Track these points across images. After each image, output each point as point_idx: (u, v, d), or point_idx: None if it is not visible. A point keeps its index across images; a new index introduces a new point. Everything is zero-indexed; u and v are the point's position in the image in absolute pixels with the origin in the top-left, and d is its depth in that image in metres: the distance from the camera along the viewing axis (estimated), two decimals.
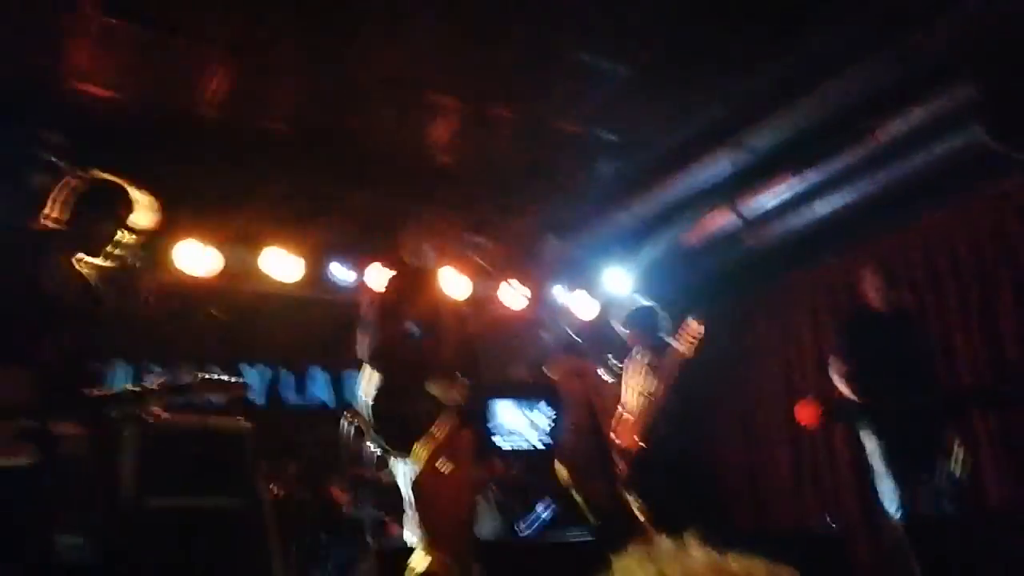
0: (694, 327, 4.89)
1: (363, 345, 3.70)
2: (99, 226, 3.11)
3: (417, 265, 4.01)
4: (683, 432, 4.94)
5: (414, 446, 3.35)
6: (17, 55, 4.52)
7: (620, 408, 5.15)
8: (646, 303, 5.33)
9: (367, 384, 3.67)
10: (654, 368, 5.06)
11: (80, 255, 3.11)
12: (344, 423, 4.38)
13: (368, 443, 3.75)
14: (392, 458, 3.65)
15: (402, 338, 3.68)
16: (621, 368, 5.40)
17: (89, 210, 3.07)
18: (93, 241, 3.13)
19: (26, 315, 2.93)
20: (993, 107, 4.94)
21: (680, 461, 4.85)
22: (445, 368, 3.63)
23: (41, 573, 2.87)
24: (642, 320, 5.21)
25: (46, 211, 3.08)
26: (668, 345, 5.05)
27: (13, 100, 4.71)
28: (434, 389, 3.57)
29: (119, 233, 3.13)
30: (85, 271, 3.10)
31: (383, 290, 3.89)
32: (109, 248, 3.15)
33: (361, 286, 6.24)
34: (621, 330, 5.28)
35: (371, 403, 3.57)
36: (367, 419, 3.56)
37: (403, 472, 3.57)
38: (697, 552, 0.73)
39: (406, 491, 3.59)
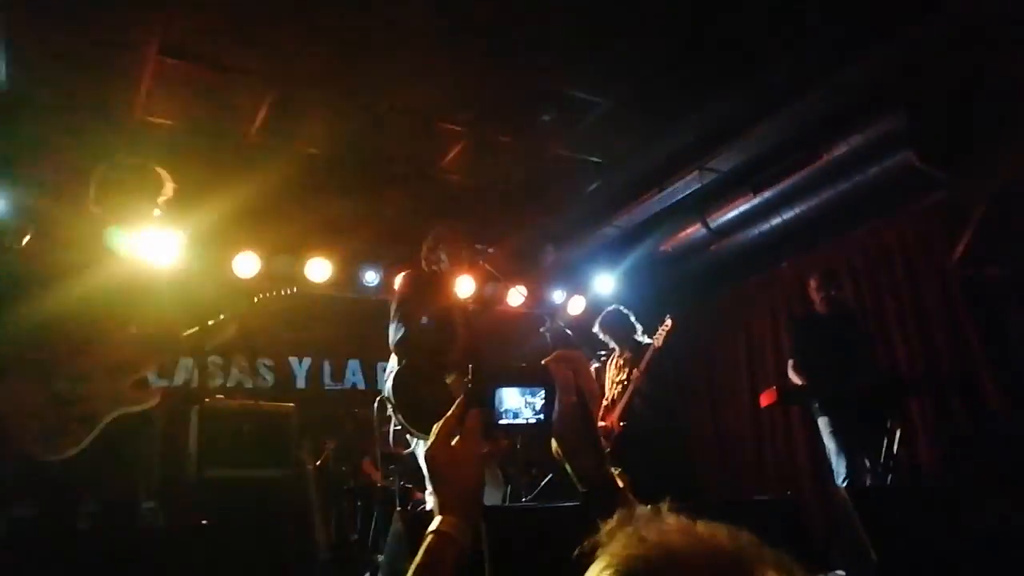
0: (668, 322, 4.93)
1: (393, 336, 3.71)
2: (136, 200, 3.03)
3: (433, 270, 4.00)
4: (658, 414, 4.94)
5: (432, 425, 3.35)
6: (92, 90, 4.52)
7: (605, 399, 5.16)
8: (615, 308, 5.35)
9: (391, 372, 3.68)
10: (628, 360, 5.08)
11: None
12: (375, 407, 4.41)
13: (392, 423, 3.76)
14: (412, 436, 3.66)
15: (420, 331, 3.68)
16: (605, 359, 5.42)
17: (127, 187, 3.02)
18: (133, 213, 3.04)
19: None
20: (921, 134, 4.93)
21: (656, 439, 4.86)
22: (457, 359, 3.65)
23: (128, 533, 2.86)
24: (614, 321, 5.23)
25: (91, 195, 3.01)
26: (639, 341, 5.07)
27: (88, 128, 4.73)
28: (448, 377, 3.58)
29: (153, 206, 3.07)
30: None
31: (404, 289, 3.89)
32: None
33: (389, 288, 6.27)
34: (597, 330, 5.29)
35: (392, 387, 3.58)
36: (389, 401, 3.58)
37: (422, 447, 3.57)
38: (670, 518, 0.73)
39: (423, 464, 3.60)
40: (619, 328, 5.20)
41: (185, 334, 3.00)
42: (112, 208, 2.95)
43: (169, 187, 3.10)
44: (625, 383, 5.01)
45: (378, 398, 4.24)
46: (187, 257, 5.34)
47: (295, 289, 3.46)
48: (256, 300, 3.32)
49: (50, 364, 2.64)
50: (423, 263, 4.04)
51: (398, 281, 3.93)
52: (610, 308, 5.35)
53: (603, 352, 5.39)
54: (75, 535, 2.67)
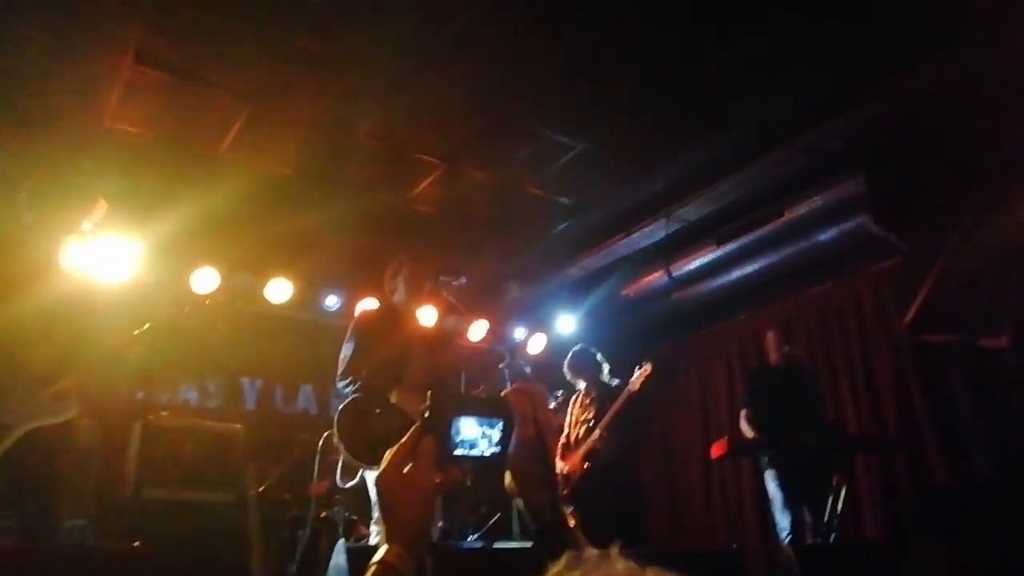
0: (647, 367, 4.96)
1: (340, 364, 3.68)
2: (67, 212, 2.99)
3: (392, 302, 3.98)
4: (619, 456, 4.94)
5: (383, 454, 3.30)
6: (63, 92, 4.45)
7: (564, 437, 5.14)
8: (585, 347, 5.37)
9: (341, 402, 3.64)
10: (594, 400, 5.09)
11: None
12: (321, 441, 4.33)
13: (341, 456, 3.69)
14: (362, 468, 3.60)
15: (373, 361, 3.66)
16: (561, 399, 5.42)
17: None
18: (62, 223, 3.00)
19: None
20: (878, 199, 5.10)
21: (615, 480, 4.85)
22: (411, 383, 3.61)
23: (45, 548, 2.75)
24: (583, 360, 5.25)
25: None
26: (606, 382, 5.08)
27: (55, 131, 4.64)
28: (400, 401, 3.54)
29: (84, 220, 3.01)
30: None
31: (363, 320, 3.87)
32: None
33: (351, 314, 6.21)
34: (566, 369, 5.30)
35: (337, 419, 3.53)
36: (335, 434, 3.53)
37: (371, 478, 3.50)
38: (619, 563, 0.72)
39: (373, 492, 3.54)
40: (588, 367, 5.21)
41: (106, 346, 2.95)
42: (43, 215, 2.90)
43: (101, 205, 3.04)
44: (591, 423, 5.00)
45: (325, 434, 4.19)
46: (144, 270, 5.22)
47: (204, 301, 3.38)
48: (185, 310, 3.28)
49: None
50: (385, 290, 4.02)
51: (357, 313, 3.91)
52: (578, 347, 5.37)
53: (559, 391, 5.39)
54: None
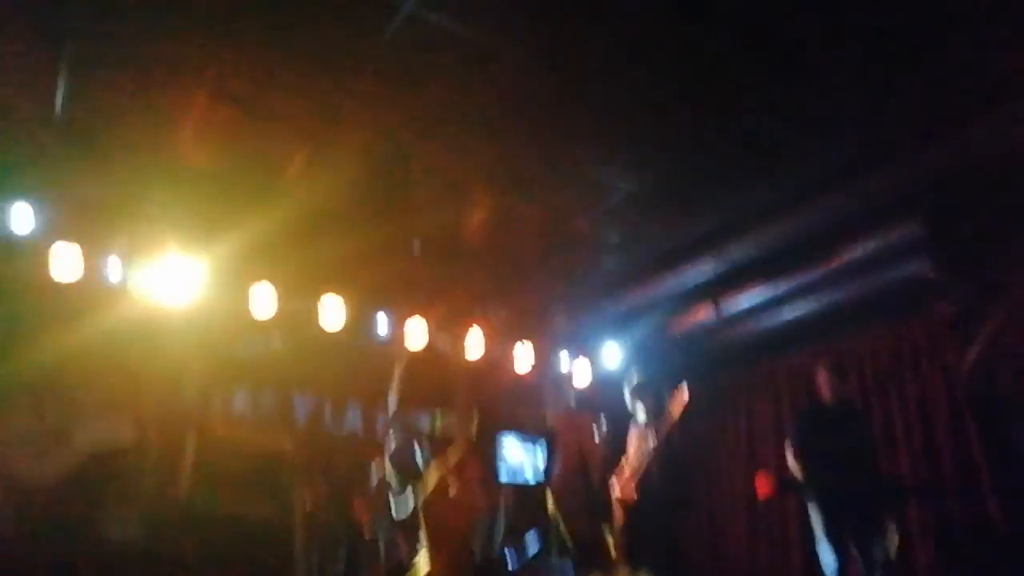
0: (681, 390, 4.97)
1: (390, 408, 3.85)
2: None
3: (441, 338, 4.13)
4: (669, 487, 4.92)
5: (426, 474, 3.42)
6: (140, 124, 4.70)
7: (624, 464, 5.15)
8: (644, 378, 5.39)
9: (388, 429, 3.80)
10: (651, 431, 5.09)
11: None
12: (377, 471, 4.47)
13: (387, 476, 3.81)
14: (406, 489, 3.70)
15: (416, 402, 3.83)
16: (607, 427, 5.43)
17: None
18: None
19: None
20: (937, 244, 5.02)
21: (664, 513, 4.84)
22: (457, 410, 3.74)
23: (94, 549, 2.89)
24: (646, 391, 5.26)
25: None
26: (664, 413, 5.08)
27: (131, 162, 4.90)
28: (447, 427, 3.67)
29: None
30: None
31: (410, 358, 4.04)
32: None
33: (400, 339, 6.36)
34: (629, 398, 5.31)
35: (390, 458, 3.68)
36: (387, 468, 3.68)
37: (415, 499, 3.60)
38: None
39: (417, 511, 3.64)
40: (647, 397, 5.24)
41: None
42: (135, 251, 3.10)
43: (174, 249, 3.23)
44: (644, 453, 5.02)
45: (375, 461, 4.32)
46: (205, 293, 5.45)
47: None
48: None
49: (46, 398, 2.77)
50: (433, 327, 4.19)
51: (409, 337, 4.03)
52: (638, 378, 5.40)
53: (604, 421, 5.39)
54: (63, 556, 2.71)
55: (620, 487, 5.03)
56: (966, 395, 5.19)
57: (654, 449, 4.94)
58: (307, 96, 4.45)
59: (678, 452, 5.04)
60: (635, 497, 4.92)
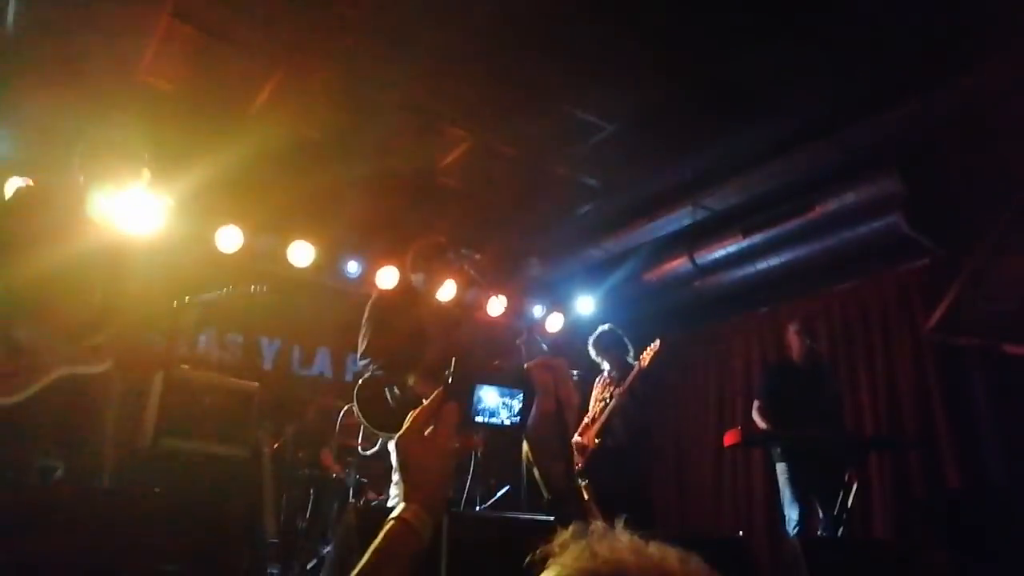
0: (656, 344, 4.98)
1: (360, 345, 3.77)
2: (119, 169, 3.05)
3: (415, 282, 4.03)
4: (632, 433, 4.99)
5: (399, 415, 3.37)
6: (98, 41, 4.48)
7: (587, 416, 5.19)
8: (611, 328, 5.38)
9: (360, 374, 3.73)
10: (614, 380, 5.12)
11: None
12: (342, 412, 4.42)
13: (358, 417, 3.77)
14: (380, 436, 3.68)
15: (392, 342, 3.73)
16: (578, 378, 5.44)
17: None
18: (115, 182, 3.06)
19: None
20: (912, 200, 5.03)
21: (627, 458, 4.91)
22: (429, 364, 3.68)
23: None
24: (610, 341, 5.26)
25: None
26: (629, 363, 5.11)
27: (91, 80, 4.69)
28: (418, 384, 3.62)
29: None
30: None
31: (382, 299, 3.94)
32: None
33: (371, 281, 6.29)
34: (591, 348, 5.31)
35: (356, 392, 3.63)
36: (354, 406, 3.62)
37: (391, 445, 3.58)
38: (623, 535, 0.74)
39: (393, 457, 3.62)
40: (613, 348, 5.23)
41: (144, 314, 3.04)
42: (96, 176, 2.98)
43: (146, 174, 3.11)
44: (607, 401, 5.06)
45: (345, 407, 4.27)
46: (170, 226, 5.30)
47: (264, 288, 3.49)
48: (223, 291, 3.36)
49: (14, 315, 2.71)
50: (407, 268, 4.08)
51: (374, 296, 3.98)
52: (606, 327, 5.37)
53: (575, 371, 5.41)
54: (24, 488, 2.65)
55: (581, 433, 5.08)
56: (931, 349, 5.29)
57: (618, 398, 4.96)
58: (276, 23, 4.26)
59: (643, 402, 5.07)
60: (595, 444, 4.98)
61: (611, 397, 5.06)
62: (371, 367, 3.69)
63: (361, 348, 3.77)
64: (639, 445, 5.03)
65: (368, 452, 4.00)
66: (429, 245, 4.03)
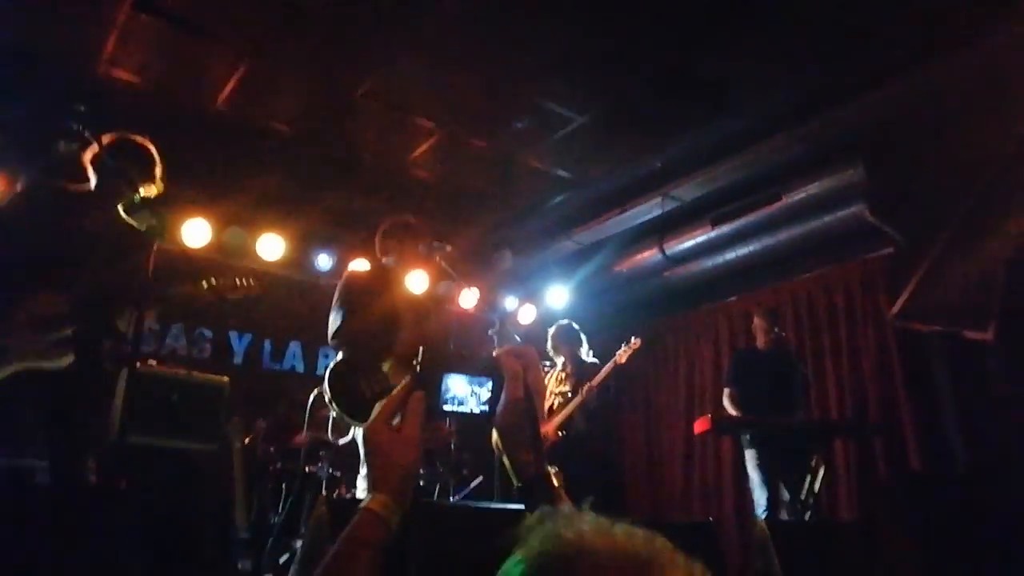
0: (636, 342, 5.02)
1: (332, 326, 3.66)
2: (126, 177, 3.03)
3: (383, 263, 3.96)
4: (595, 428, 5.02)
5: (368, 415, 3.33)
6: (57, 33, 4.38)
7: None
8: (568, 323, 5.40)
9: (332, 360, 3.65)
10: (571, 374, 5.14)
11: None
12: (312, 396, 4.36)
13: (331, 412, 3.72)
14: (351, 423, 3.63)
15: (365, 324, 3.65)
16: (547, 369, 5.46)
17: (118, 162, 3.00)
18: (120, 192, 3.03)
19: (65, 252, 2.90)
20: (876, 189, 5.12)
21: (590, 451, 4.93)
22: (401, 352, 3.63)
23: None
24: (567, 335, 5.28)
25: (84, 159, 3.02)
26: (583, 358, 5.14)
27: (49, 74, 4.58)
28: (385, 364, 3.56)
29: (143, 186, 3.06)
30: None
31: (350, 282, 3.85)
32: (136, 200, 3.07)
33: (342, 274, 6.23)
34: (548, 342, 5.33)
35: (327, 379, 3.54)
36: (326, 391, 3.54)
37: (360, 434, 3.54)
38: (589, 518, 0.74)
39: (362, 448, 3.59)
40: (569, 342, 5.25)
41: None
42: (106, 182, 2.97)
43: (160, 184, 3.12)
44: (567, 395, 5.07)
45: (316, 390, 4.20)
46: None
47: (251, 282, 3.44)
48: (207, 286, 3.32)
49: None
50: (376, 251, 4.00)
51: (346, 273, 3.88)
52: (563, 322, 5.40)
53: (547, 362, 5.43)
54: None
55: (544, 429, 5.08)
56: (894, 336, 5.40)
57: (586, 393, 4.95)
58: (242, 15, 4.19)
59: (611, 397, 5.10)
60: (555, 438, 4.98)
61: (571, 391, 5.05)
62: (342, 351, 3.62)
63: (331, 330, 3.64)
64: (601, 432, 5.07)
65: (341, 442, 3.95)
66: (397, 224, 3.94)
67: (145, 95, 4.90)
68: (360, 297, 3.71)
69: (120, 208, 3.06)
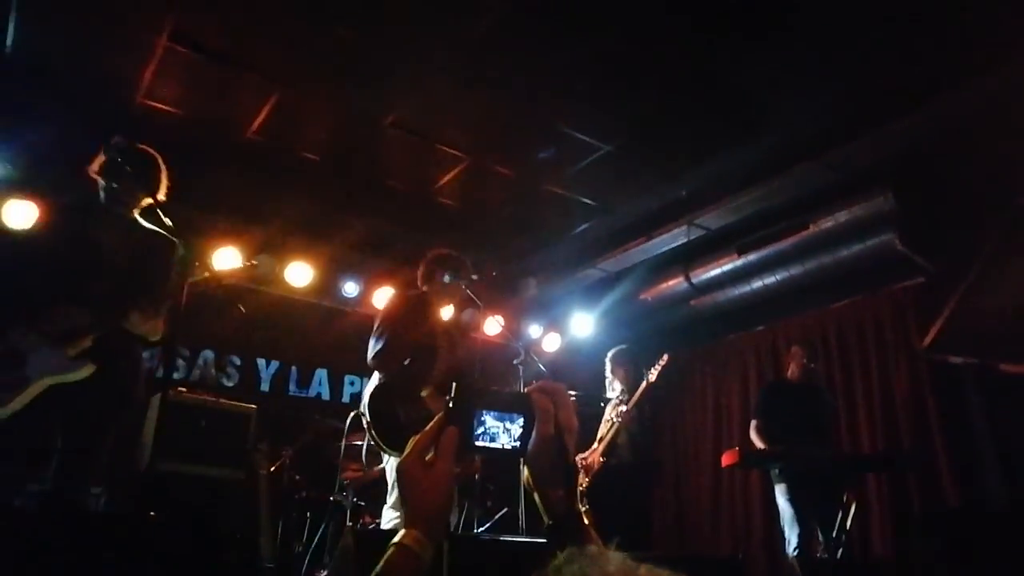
0: (664, 358, 5.00)
1: (372, 349, 3.71)
2: (135, 183, 3.14)
3: (423, 291, 4.03)
4: (636, 451, 4.98)
5: (404, 443, 3.37)
6: (97, 64, 4.52)
7: (598, 439, 5.17)
8: (625, 347, 5.38)
9: (370, 386, 3.69)
10: (623, 400, 5.11)
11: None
12: (348, 421, 4.41)
13: (365, 439, 3.75)
14: (384, 452, 3.66)
15: (404, 350, 3.71)
16: (575, 399, 5.44)
17: (127, 169, 3.09)
18: (130, 196, 3.17)
19: (81, 261, 2.97)
20: (906, 218, 5.07)
21: (630, 477, 4.90)
22: (438, 378, 3.67)
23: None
24: (627, 357, 5.24)
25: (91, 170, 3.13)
26: (638, 381, 5.09)
27: (89, 104, 4.72)
28: (424, 391, 3.60)
29: (151, 189, 3.14)
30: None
31: (392, 307, 3.90)
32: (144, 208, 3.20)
33: (368, 301, 6.30)
34: (608, 365, 5.30)
35: (368, 402, 3.59)
36: (364, 417, 3.58)
37: (393, 464, 3.56)
38: (615, 558, 0.75)
39: (391, 478, 3.61)
40: (628, 364, 5.23)
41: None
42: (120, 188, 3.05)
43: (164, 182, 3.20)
44: (614, 420, 5.06)
45: (352, 413, 4.24)
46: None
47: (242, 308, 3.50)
48: (206, 275, 3.40)
49: (8, 320, 2.73)
50: (419, 280, 4.08)
51: (389, 298, 3.95)
52: (622, 347, 5.37)
53: (574, 392, 5.41)
54: (14, 512, 2.64)
55: (587, 454, 5.09)
56: (927, 368, 5.30)
57: (625, 416, 4.98)
58: (278, 45, 4.30)
59: (648, 417, 5.09)
60: (599, 463, 4.99)
61: (618, 416, 5.07)
62: (382, 375, 3.66)
63: (371, 352, 3.70)
64: (642, 463, 5.03)
65: (376, 469, 3.97)
66: (444, 257, 4.03)
67: (179, 124, 5.02)
68: (402, 322, 3.77)
69: (135, 214, 3.16)
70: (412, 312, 3.85)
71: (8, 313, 2.83)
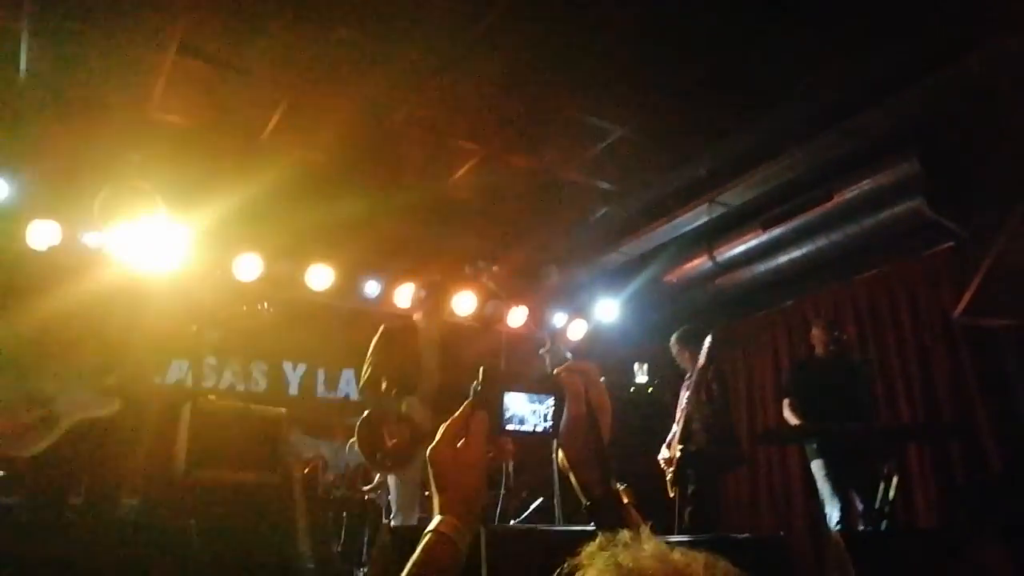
0: (706, 340, 4.80)
1: (363, 375, 4.10)
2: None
3: (416, 320, 4.27)
4: (713, 437, 4.77)
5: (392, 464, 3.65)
6: (108, 84, 4.57)
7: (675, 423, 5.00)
8: (689, 327, 5.13)
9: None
10: (689, 385, 4.92)
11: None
12: (350, 443, 4.60)
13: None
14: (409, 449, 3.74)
15: (383, 375, 4.04)
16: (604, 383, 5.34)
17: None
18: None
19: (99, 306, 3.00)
20: (933, 182, 4.97)
21: (714, 464, 4.78)
22: (425, 388, 3.93)
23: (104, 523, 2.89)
24: (690, 338, 5.03)
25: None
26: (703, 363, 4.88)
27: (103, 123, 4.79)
28: (412, 409, 3.85)
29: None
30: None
31: (375, 341, 4.19)
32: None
33: (390, 300, 6.36)
34: (674, 349, 5.17)
35: (357, 431, 3.94)
36: (354, 443, 3.97)
37: (394, 482, 3.89)
38: (649, 544, 0.74)
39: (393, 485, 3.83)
40: (693, 345, 4.94)
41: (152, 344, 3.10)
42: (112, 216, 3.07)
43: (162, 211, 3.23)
44: (684, 407, 4.85)
45: (351, 440, 4.42)
46: (188, 257, 5.37)
47: (268, 307, 3.58)
48: (244, 309, 3.45)
49: (27, 364, 2.75)
50: (411, 304, 4.31)
51: (380, 331, 4.24)
52: (686, 327, 5.14)
53: (602, 377, 5.35)
54: (57, 527, 2.69)
55: (667, 445, 4.89)
56: (962, 333, 5.20)
57: (688, 402, 4.78)
58: (283, 49, 4.31)
59: (714, 398, 4.81)
60: (678, 453, 4.77)
61: (686, 402, 4.86)
62: (367, 404, 4.03)
63: (362, 382, 4.13)
64: (721, 447, 4.80)
65: (366, 489, 4.18)
66: (427, 284, 4.37)
67: (193, 135, 5.07)
68: (382, 351, 4.12)
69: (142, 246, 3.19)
70: (392, 341, 4.17)
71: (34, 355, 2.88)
